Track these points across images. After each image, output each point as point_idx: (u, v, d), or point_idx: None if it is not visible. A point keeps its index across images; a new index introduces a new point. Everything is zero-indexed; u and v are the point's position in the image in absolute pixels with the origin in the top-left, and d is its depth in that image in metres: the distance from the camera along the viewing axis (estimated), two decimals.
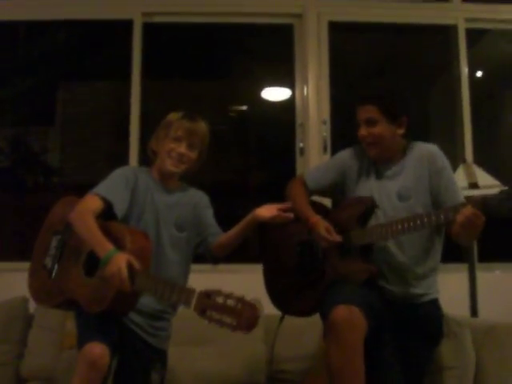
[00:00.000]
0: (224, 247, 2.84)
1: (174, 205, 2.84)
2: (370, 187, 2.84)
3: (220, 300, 2.18)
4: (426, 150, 2.86)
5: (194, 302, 2.25)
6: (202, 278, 2.61)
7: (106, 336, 2.42)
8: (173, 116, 2.84)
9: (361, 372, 2.45)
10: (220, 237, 2.85)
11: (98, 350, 2.37)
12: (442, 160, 2.83)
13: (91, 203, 2.65)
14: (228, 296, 2.18)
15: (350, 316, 2.46)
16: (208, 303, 2.20)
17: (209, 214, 2.94)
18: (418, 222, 2.58)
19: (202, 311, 2.21)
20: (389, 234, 2.66)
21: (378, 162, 2.87)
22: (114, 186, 2.71)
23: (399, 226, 2.62)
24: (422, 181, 2.78)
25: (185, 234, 2.83)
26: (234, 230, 2.81)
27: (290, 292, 2.88)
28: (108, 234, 2.54)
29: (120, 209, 2.68)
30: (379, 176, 2.86)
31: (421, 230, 2.66)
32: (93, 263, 2.54)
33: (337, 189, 2.97)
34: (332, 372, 2.47)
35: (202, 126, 2.85)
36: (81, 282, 2.55)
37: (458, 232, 2.54)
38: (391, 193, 2.80)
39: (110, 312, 2.47)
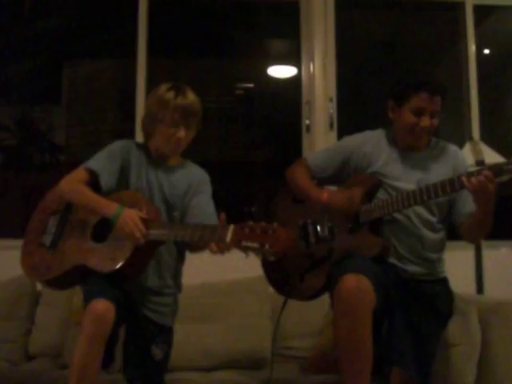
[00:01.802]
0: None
1: (170, 182, 2.78)
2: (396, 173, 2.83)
3: (253, 229, 2.22)
4: (452, 149, 2.89)
5: (229, 235, 2.26)
6: (204, 254, 2.61)
7: (111, 295, 2.43)
8: (166, 94, 2.70)
9: (369, 343, 2.44)
10: None
11: (102, 305, 2.37)
12: (466, 162, 2.86)
13: (76, 174, 2.67)
14: (260, 224, 2.22)
15: (359, 285, 2.44)
16: (242, 234, 2.23)
17: (205, 198, 2.83)
18: (429, 192, 2.57)
19: (237, 243, 2.23)
20: (399, 206, 2.65)
21: (401, 149, 2.86)
22: (101, 159, 2.70)
23: (410, 198, 2.61)
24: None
25: (177, 214, 2.78)
26: None
27: (294, 276, 2.84)
28: (121, 202, 2.57)
29: (105, 181, 2.66)
30: (397, 166, 2.84)
31: (432, 200, 2.64)
32: (101, 233, 2.57)
33: (341, 176, 2.95)
34: (339, 342, 2.46)
35: (196, 103, 2.74)
36: (90, 249, 2.56)
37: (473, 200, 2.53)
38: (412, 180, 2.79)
39: (122, 275, 2.49)
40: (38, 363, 3.53)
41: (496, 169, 2.43)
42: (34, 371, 3.32)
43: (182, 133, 2.70)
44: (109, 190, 2.67)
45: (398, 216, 2.75)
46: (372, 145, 2.90)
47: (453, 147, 2.92)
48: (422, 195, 2.59)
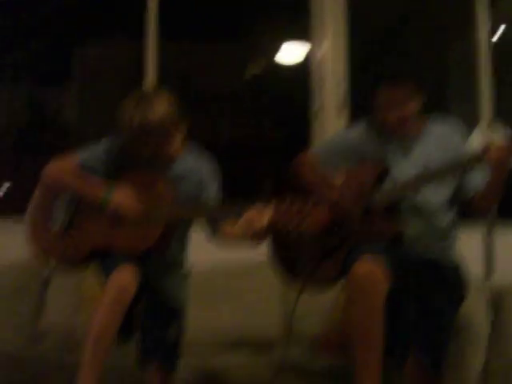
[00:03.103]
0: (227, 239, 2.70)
1: (172, 176, 2.70)
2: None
3: (290, 207, 2.26)
4: (449, 130, 2.86)
5: (271, 211, 2.30)
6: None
7: (135, 264, 2.45)
8: (138, 118, 2.52)
9: (381, 329, 2.44)
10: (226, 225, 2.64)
11: (126, 273, 2.40)
12: (460, 137, 2.84)
13: (65, 162, 2.69)
14: (296, 202, 2.27)
15: (374, 271, 2.43)
16: (281, 213, 2.28)
17: (213, 191, 2.75)
18: (441, 170, 2.60)
19: (280, 218, 2.28)
20: (415, 186, 2.66)
21: (389, 137, 2.84)
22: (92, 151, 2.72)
23: (422, 179, 2.63)
24: (443, 155, 2.74)
25: None
26: None
27: (306, 268, 2.78)
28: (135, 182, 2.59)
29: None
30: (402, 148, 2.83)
31: (448, 175, 2.66)
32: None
33: (348, 163, 2.92)
34: (351, 328, 2.47)
35: (164, 117, 2.53)
36: (112, 228, 2.58)
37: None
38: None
39: (148, 253, 2.53)
40: (47, 346, 3.55)
41: None
42: (44, 354, 3.34)
43: (168, 150, 2.63)
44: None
45: (411, 201, 2.74)
46: (366, 136, 2.88)
47: (450, 128, 2.87)
48: (435, 173, 2.60)
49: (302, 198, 2.27)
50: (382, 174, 2.76)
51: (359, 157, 2.84)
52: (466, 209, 2.81)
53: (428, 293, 2.68)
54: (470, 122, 2.84)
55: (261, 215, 2.32)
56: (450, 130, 2.86)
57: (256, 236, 2.41)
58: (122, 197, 2.52)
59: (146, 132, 2.51)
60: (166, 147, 2.60)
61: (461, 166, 2.57)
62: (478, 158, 2.51)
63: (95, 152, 2.71)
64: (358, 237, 2.67)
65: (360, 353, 2.44)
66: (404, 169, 2.75)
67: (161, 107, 2.55)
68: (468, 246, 3.10)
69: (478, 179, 2.68)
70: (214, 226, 2.69)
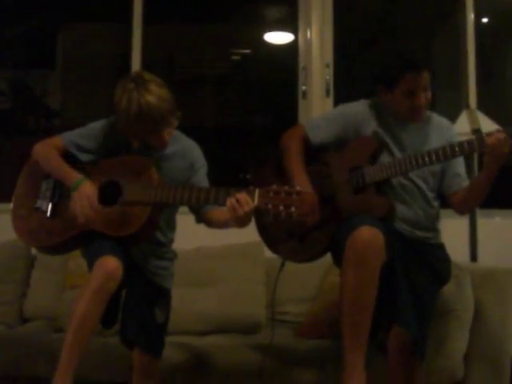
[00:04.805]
0: (213, 225, 2.71)
1: (161, 159, 2.68)
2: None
3: (277, 192, 2.25)
4: (446, 123, 2.89)
5: (256, 198, 2.29)
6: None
7: (119, 255, 2.44)
8: (143, 103, 2.45)
9: (373, 297, 2.45)
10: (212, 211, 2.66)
11: (113, 262, 2.39)
12: (457, 138, 2.83)
13: (52, 140, 2.68)
14: (283, 188, 2.25)
15: (374, 238, 2.45)
16: (268, 197, 2.26)
17: (202, 174, 2.75)
18: (438, 153, 2.58)
19: (265, 205, 2.26)
20: (405, 168, 2.65)
21: (393, 120, 2.83)
22: (79, 135, 2.69)
23: (418, 160, 2.61)
24: None
25: None
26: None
27: (293, 237, 2.81)
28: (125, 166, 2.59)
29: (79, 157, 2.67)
30: (395, 135, 2.81)
31: (439, 163, 2.67)
32: (108, 195, 2.56)
33: (339, 143, 2.91)
34: (345, 295, 2.47)
35: (164, 105, 2.50)
36: (99, 213, 2.54)
37: (486, 162, 2.55)
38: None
39: (133, 238, 2.52)
40: (33, 326, 3.55)
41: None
42: (29, 334, 3.34)
43: (164, 135, 2.58)
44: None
45: (402, 181, 2.75)
46: (367, 115, 2.88)
47: (446, 121, 2.91)
48: (431, 156, 2.60)
49: (288, 185, 2.27)
50: (377, 151, 2.76)
51: (357, 132, 2.84)
52: (448, 203, 2.84)
53: (416, 268, 2.69)
54: (455, 109, 2.85)
55: (246, 201, 2.32)
56: (447, 123, 2.89)
57: (241, 222, 2.39)
58: (85, 195, 2.50)
59: (144, 116, 2.46)
60: (161, 133, 2.56)
61: (457, 152, 2.58)
62: (479, 145, 2.51)
63: (90, 131, 2.69)
64: (349, 211, 2.68)
65: (350, 318, 2.45)
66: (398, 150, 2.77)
67: (160, 92, 2.51)
68: (453, 230, 3.14)
69: (454, 170, 2.73)
70: (200, 211, 2.70)
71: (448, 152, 2.58)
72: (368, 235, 2.45)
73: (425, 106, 2.75)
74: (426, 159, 2.60)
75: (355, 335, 2.45)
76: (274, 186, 2.27)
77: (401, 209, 2.73)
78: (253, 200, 2.29)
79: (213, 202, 2.49)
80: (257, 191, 2.30)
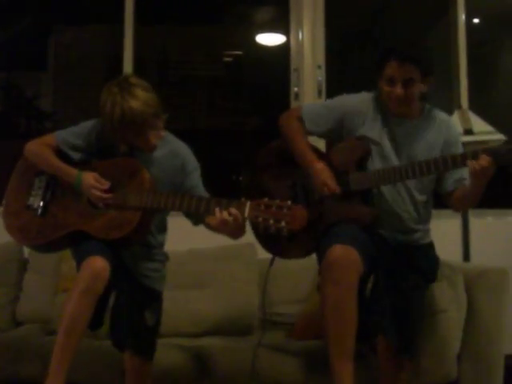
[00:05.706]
0: (211, 229, 2.67)
1: (152, 161, 2.66)
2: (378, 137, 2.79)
3: (269, 206, 2.26)
4: (445, 118, 2.87)
5: (247, 211, 2.30)
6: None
7: (108, 256, 2.44)
8: (126, 108, 2.43)
9: (354, 312, 2.46)
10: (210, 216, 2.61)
11: (100, 262, 2.39)
12: (458, 132, 2.83)
13: (45, 139, 2.68)
14: (275, 201, 2.27)
15: (347, 255, 2.46)
16: (259, 210, 2.27)
17: (196, 177, 2.74)
18: (422, 168, 2.57)
19: (255, 218, 2.28)
20: (392, 179, 2.65)
21: (391, 115, 2.82)
22: (71, 133, 2.68)
23: (403, 173, 2.61)
24: (435, 148, 2.75)
25: None
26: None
27: (283, 236, 2.83)
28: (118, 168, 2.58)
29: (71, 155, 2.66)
30: (390, 130, 2.80)
31: (424, 176, 2.66)
32: None
33: (334, 134, 2.92)
34: (326, 310, 2.48)
35: (148, 109, 2.47)
36: (90, 214, 2.55)
37: (472, 181, 2.55)
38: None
39: (124, 241, 2.52)
40: (25, 329, 3.54)
41: (496, 154, 2.45)
42: (22, 337, 3.32)
43: (152, 139, 2.57)
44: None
45: (388, 189, 2.74)
46: (366, 107, 2.86)
47: (446, 116, 2.89)
48: (416, 170, 2.59)
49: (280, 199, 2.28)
50: (364, 156, 2.76)
51: (351, 124, 2.83)
52: (443, 201, 2.83)
53: (398, 269, 2.71)
54: (447, 109, 2.85)
55: (238, 214, 2.33)
56: (448, 120, 2.88)
57: (233, 234, 2.47)
58: (90, 181, 2.52)
59: (128, 121, 2.45)
60: (147, 136, 2.55)
61: (446, 167, 2.57)
62: (463, 161, 2.51)
63: (82, 130, 2.68)
64: (333, 219, 2.69)
65: (333, 335, 2.47)
66: (412, 150, 2.75)
67: (144, 96, 2.48)
68: (445, 230, 3.15)
69: (459, 174, 2.71)
70: (195, 217, 2.70)
71: (440, 165, 2.56)
72: (340, 254, 2.47)
73: (404, 100, 2.71)
74: (417, 171, 2.59)
75: (340, 344, 2.47)
76: (266, 199, 2.28)
77: (385, 216, 2.73)
78: (243, 213, 2.31)
79: (203, 212, 2.49)
80: (248, 204, 2.31)
